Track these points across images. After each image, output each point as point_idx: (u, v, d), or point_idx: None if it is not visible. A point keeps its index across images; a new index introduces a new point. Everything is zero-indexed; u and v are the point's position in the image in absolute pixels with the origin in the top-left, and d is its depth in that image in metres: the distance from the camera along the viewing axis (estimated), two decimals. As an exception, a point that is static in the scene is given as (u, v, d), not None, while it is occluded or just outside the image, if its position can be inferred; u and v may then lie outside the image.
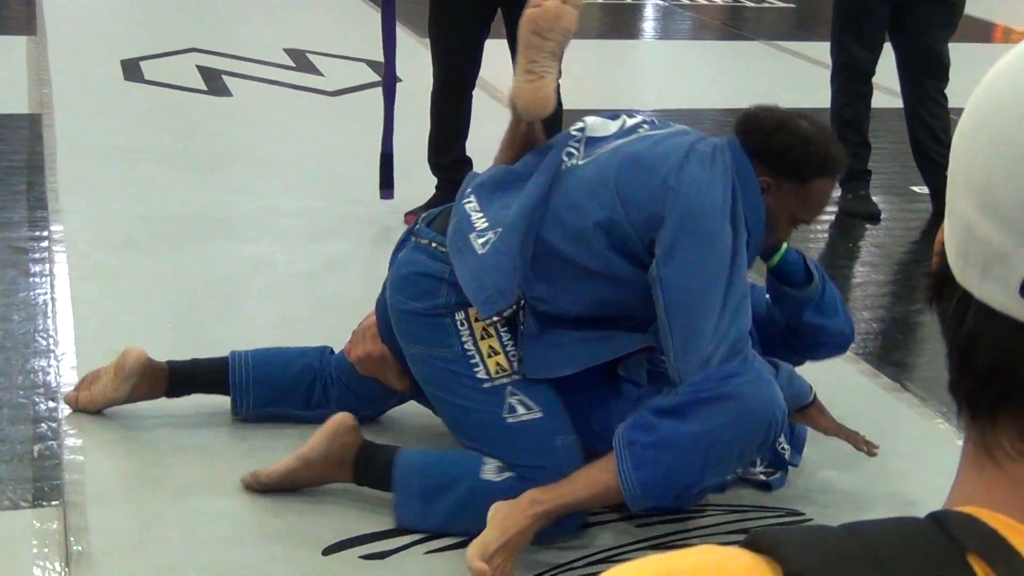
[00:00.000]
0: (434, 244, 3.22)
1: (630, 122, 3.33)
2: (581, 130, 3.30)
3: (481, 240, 3.14)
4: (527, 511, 2.92)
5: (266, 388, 3.55)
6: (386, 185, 5.19)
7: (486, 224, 3.18)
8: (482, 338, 3.14)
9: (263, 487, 3.20)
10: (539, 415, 3.11)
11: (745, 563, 0.72)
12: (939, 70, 5.65)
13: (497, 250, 3.11)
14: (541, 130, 3.42)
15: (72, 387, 3.68)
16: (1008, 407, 0.73)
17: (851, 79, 5.71)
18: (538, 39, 3.34)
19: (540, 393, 3.13)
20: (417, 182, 5.06)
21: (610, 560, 3.05)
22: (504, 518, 2.91)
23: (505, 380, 3.12)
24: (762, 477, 3.38)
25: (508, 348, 3.14)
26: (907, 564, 0.70)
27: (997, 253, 0.71)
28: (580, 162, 3.22)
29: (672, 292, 2.98)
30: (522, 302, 3.11)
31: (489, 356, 3.13)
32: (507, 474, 3.07)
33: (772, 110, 3.28)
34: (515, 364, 3.13)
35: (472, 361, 3.13)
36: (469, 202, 3.26)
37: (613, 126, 3.32)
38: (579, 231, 3.09)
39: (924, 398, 3.93)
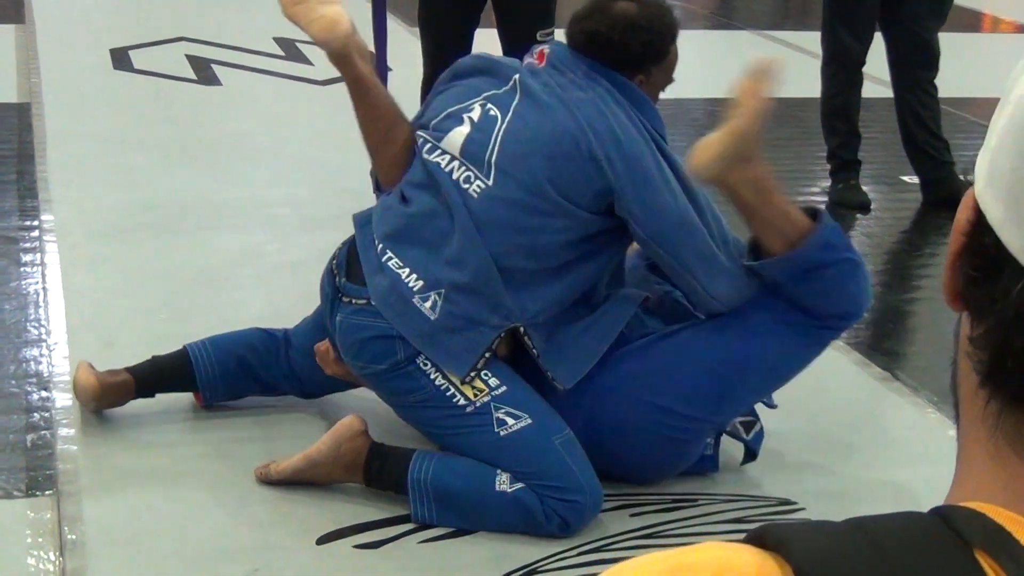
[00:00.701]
0: (372, 303, 3.17)
1: (477, 114, 3.30)
2: (446, 153, 3.27)
3: (427, 304, 3.14)
4: None
5: (231, 380, 3.53)
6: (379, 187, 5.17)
7: (421, 283, 3.17)
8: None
9: (272, 481, 3.20)
10: (528, 421, 3.11)
11: (751, 559, 0.71)
12: (930, 61, 5.66)
13: (450, 313, 3.13)
14: (371, 73, 3.52)
15: (64, 377, 3.68)
16: None
17: (842, 69, 5.71)
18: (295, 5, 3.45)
19: (522, 400, 3.15)
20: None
21: (603, 549, 3.06)
22: None
23: (486, 399, 3.12)
24: (742, 431, 3.37)
25: (481, 370, 3.14)
26: (915, 561, 0.69)
27: None
28: (489, 183, 3.20)
29: (669, 242, 3.13)
30: (522, 328, 3.15)
31: (462, 383, 3.13)
32: (519, 484, 3.07)
33: (596, 12, 3.36)
34: (491, 380, 3.13)
35: (448, 394, 3.13)
36: (390, 259, 3.22)
37: (465, 128, 3.29)
38: (538, 247, 3.16)
39: (915, 387, 3.95)
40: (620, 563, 0.74)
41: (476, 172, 3.24)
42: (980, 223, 0.75)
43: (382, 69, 5.16)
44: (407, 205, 3.29)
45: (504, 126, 3.25)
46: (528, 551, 3.03)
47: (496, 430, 3.10)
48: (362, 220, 3.39)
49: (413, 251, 3.22)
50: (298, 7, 3.41)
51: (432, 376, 3.13)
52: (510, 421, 3.11)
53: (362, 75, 3.43)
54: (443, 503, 3.09)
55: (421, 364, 3.14)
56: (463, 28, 4.96)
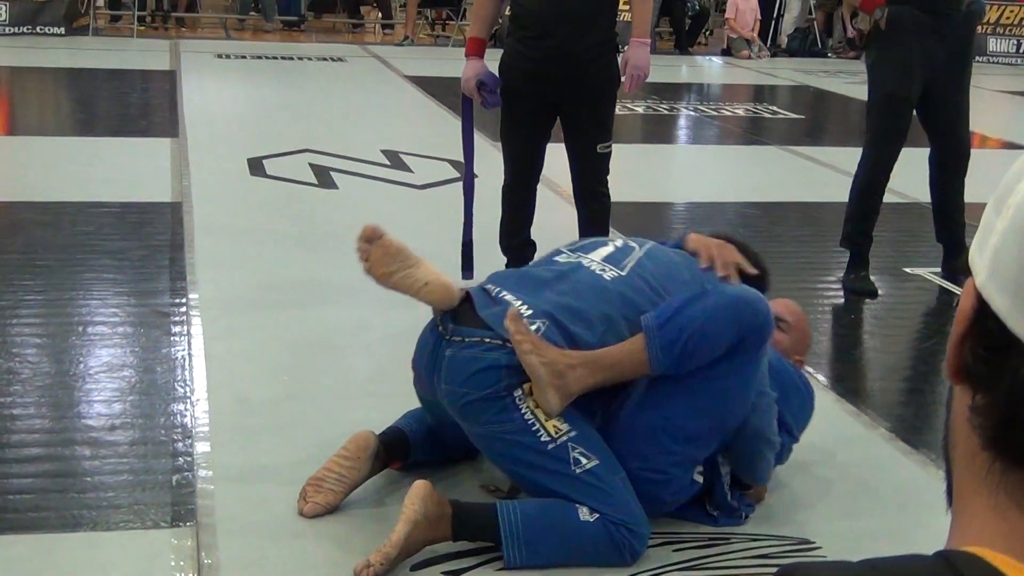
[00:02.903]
0: (486, 340, 3.14)
1: (619, 243, 3.53)
2: (586, 258, 3.42)
3: (532, 327, 3.13)
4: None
5: (431, 443, 3.48)
6: (467, 267, 5.22)
7: (530, 312, 3.18)
8: (537, 406, 3.08)
9: (386, 567, 2.92)
10: (597, 461, 3.07)
11: None
12: (967, 162, 5.58)
13: (548, 338, 3.12)
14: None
15: (203, 428, 3.71)
16: None
17: (882, 172, 5.57)
18: (393, 279, 3.31)
19: (593, 443, 3.09)
20: (491, 261, 5.07)
21: (651, 579, 3.02)
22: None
23: (564, 438, 3.07)
24: (729, 497, 3.31)
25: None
26: None
27: None
28: (622, 274, 3.32)
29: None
30: None
31: (547, 420, 3.07)
32: (596, 515, 3.02)
33: None
34: (563, 426, 3.07)
35: (534, 428, 3.07)
36: (503, 294, 3.26)
37: (609, 248, 3.49)
38: (636, 324, 3.17)
39: (916, 445, 3.88)
40: None
41: (613, 268, 3.34)
42: (984, 310, 0.74)
43: (470, 178, 5.22)
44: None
45: (643, 252, 3.45)
46: (587, 580, 2.99)
47: (572, 468, 3.04)
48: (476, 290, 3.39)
49: (525, 290, 3.28)
50: (394, 279, 3.31)
51: (523, 411, 3.07)
52: (584, 460, 3.05)
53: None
54: (533, 543, 2.99)
55: (517, 398, 3.08)
56: (537, 142, 4.98)
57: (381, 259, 3.29)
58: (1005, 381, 0.72)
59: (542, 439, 3.06)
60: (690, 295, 3.16)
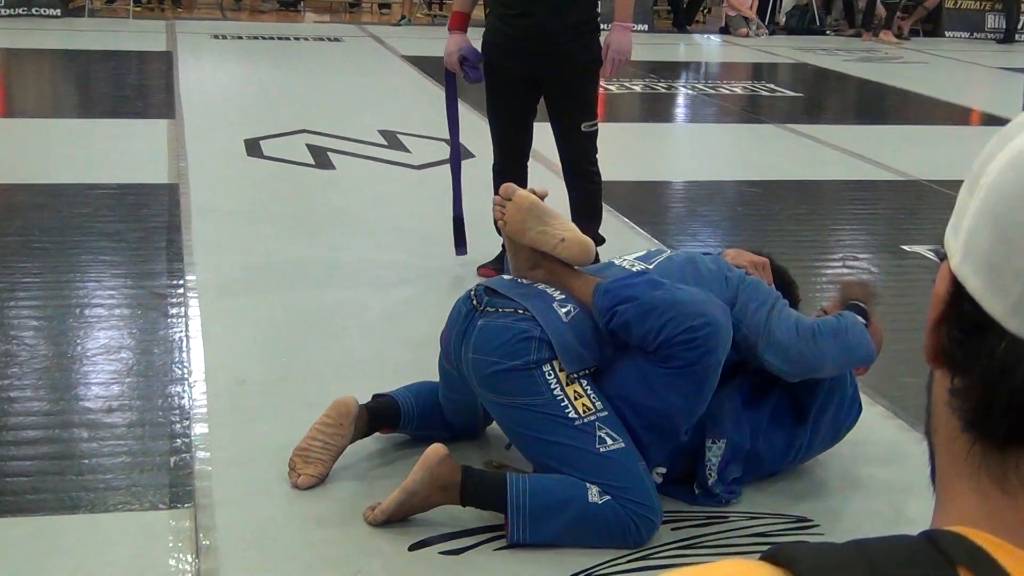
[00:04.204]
0: (519, 311, 3.18)
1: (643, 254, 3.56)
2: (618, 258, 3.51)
3: (563, 310, 3.18)
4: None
5: (423, 418, 3.51)
6: (460, 244, 5.22)
7: (562, 296, 3.23)
8: (568, 383, 3.10)
9: (380, 522, 3.07)
10: (622, 444, 3.07)
11: (766, 574, 0.71)
12: None
13: (580, 326, 3.16)
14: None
15: (202, 409, 3.71)
16: None
17: None
18: (528, 235, 3.30)
19: (618, 427, 3.10)
20: (487, 240, 5.07)
21: (648, 557, 3.02)
22: None
23: (592, 418, 3.08)
24: (715, 479, 3.30)
25: (589, 392, 3.11)
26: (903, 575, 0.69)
27: None
28: (650, 267, 3.35)
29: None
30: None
31: (576, 398, 3.09)
32: (607, 497, 3.02)
33: None
34: (597, 403, 3.10)
35: (563, 404, 3.08)
36: (536, 283, 3.32)
37: (639, 253, 3.55)
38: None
39: (915, 422, 3.88)
40: None
41: (642, 263, 3.39)
42: (959, 293, 0.74)
43: (456, 153, 5.27)
44: None
45: (674, 253, 3.52)
46: (584, 559, 2.99)
47: (597, 447, 3.05)
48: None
49: None
50: (530, 235, 3.30)
51: (552, 386, 3.09)
52: (609, 441, 3.06)
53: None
54: (538, 519, 3.00)
55: (546, 373, 3.10)
56: (521, 120, 4.97)
57: (515, 216, 3.32)
58: (982, 363, 0.72)
59: (570, 415, 3.08)
60: (652, 279, 3.19)
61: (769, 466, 3.40)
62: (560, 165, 5.09)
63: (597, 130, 4.93)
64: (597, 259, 3.46)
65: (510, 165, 4.98)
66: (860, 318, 3.40)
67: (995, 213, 0.72)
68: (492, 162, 5.06)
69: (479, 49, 4.94)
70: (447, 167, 7.09)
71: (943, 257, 0.77)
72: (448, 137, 5.34)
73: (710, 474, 3.28)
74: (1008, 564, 0.69)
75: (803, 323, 3.28)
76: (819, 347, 3.25)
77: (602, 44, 4.86)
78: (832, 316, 3.40)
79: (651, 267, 3.36)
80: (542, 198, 3.36)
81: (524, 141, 5.04)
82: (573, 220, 4.86)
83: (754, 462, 3.36)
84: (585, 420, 3.07)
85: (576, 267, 3.32)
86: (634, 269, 3.35)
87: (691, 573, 0.73)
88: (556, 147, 5.01)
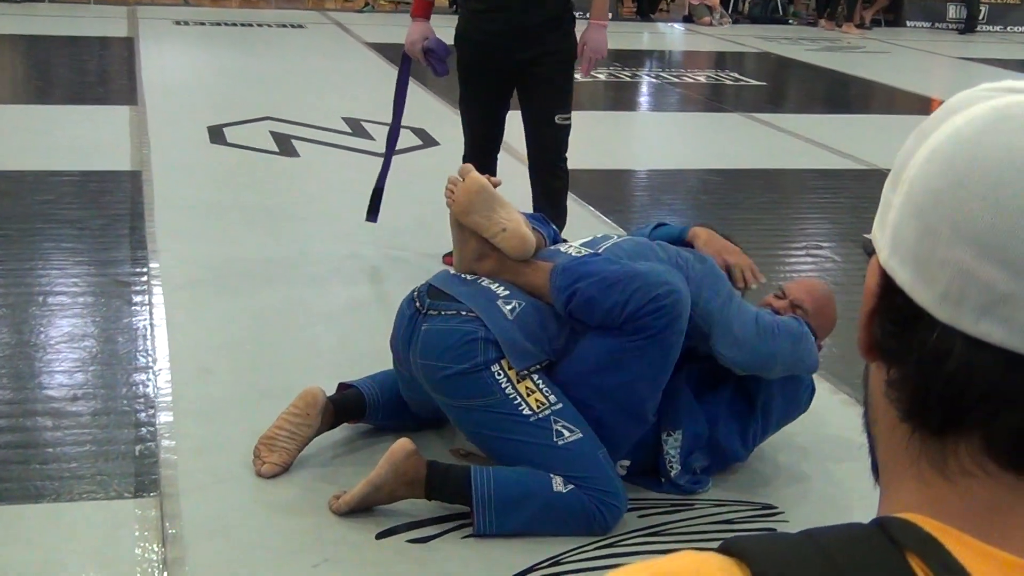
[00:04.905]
0: (462, 312, 3.16)
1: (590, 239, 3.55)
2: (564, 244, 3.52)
3: (508, 307, 3.17)
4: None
5: (388, 409, 3.50)
6: (373, 211, 5.33)
7: (507, 292, 3.22)
8: (519, 380, 3.10)
9: (343, 512, 3.07)
10: (580, 435, 3.08)
11: (719, 565, 0.73)
12: None
13: (525, 322, 3.15)
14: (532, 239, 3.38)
15: (167, 398, 3.69)
16: (964, 427, 0.73)
17: None
18: (471, 218, 3.30)
19: (575, 417, 3.10)
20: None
21: (616, 544, 3.04)
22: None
23: (548, 412, 3.08)
24: (678, 468, 3.32)
25: (542, 386, 3.11)
26: (854, 563, 0.71)
27: (1002, 295, 0.70)
28: (598, 253, 3.32)
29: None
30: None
31: (529, 395, 3.09)
32: (571, 486, 3.04)
33: None
34: (551, 397, 3.10)
35: (516, 402, 3.08)
36: (477, 278, 3.29)
37: (585, 239, 3.53)
38: None
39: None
40: (609, 572, 0.75)
41: (589, 249, 3.37)
42: (889, 286, 0.77)
43: (395, 129, 5.29)
44: None
45: (622, 238, 3.51)
46: (553, 546, 3.00)
47: (555, 440, 3.06)
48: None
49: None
50: (472, 218, 3.31)
51: (504, 386, 3.09)
52: (567, 433, 3.07)
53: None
54: (504, 510, 3.01)
55: (496, 373, 3.09)
56: (495, 112, 4.94)
57: (463, 197, 3.32)
58: (915, 353, 0.74)
59: (524, 412, 3.08)
60: (607, 257, 3.20)
61: (731, 454, 3.41)
62: (528, 155, 5.06)
63: (570, 125, 4.90)
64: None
65: (480, 156, 4.95)
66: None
67: (918, 205, 0.74)
68: (463, 151, 5.02)
69: (447, 41, 4.91)
70: (412, 155, 7.10)
71: (871, 252, 0.79)
72: (391, 116, 5.31)
73: (671, 466, 3.30)
74: (955, 550, 0.71)
75: (763, 321, 3.29)
76: (775, 348, 3.27)
77: (578, 40, 4.85)
78: (791, 318, 3.41)
79: (599, 252, 3.34)
80: (495, 186, 3.36)
81: (496, 132, 5.02)
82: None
83: (717, 451, 3.37)
84: (540, 415, 3.07)
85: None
86: (582, 254, 3.33)
87: (647, 567, 0.74)
88: (525, 141, 4.98)
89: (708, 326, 3.23)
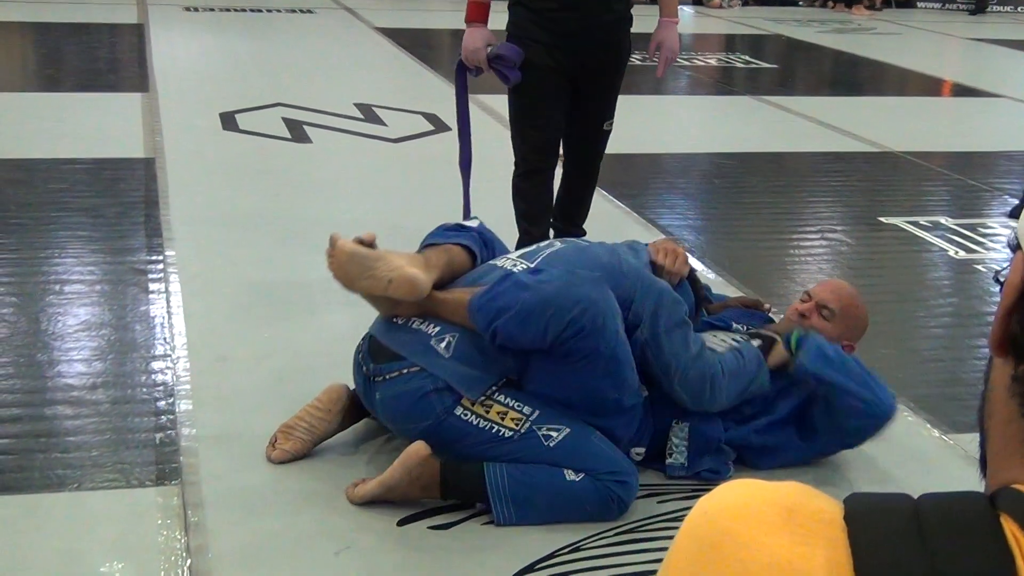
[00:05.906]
0: (404, 371, 3.14)
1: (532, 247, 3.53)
2: (501, 257, 3.44)
3: (442, 345, 3.13)
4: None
5: None
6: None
7: (437, 329, 3.18)
8: (487, 410, 3.08)
9: (358, 504, 3.07)
10: (568, 430, 3.07)
11: (823, 506, 0.76)
12: None
13: (463, 353, 3.11)
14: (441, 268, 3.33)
15: (185, 386, 3.70)
16: None
17: None
18: (358, 284, 3.23)
19: (556, 416, 3.08)
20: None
21: (636, 530, 3.04)
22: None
23: (528, 425, 3.06)
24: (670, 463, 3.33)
25: (511, 404, 3.08)
26: (946, 521, 0.72)
27: None
28: (532, 266, 3.27)
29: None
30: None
31: (502, 418, 3.07)
32: (581, 474, 3.04)
33: None
34: (525, 409, 3.07)
35: (494, 431, 3.06)
36: (410, 321, 3.23)
37: (521, 250, 3.51)
38: None
39: (913, 409, 3.89)
40: (721, 498, 0.79)
41: (524, 262, 3.31)
42: None
43: (466, 156, 4.68)
44: None
45: (564, 244, 3.48)
46: (574, 533, 3.01)
47: (546, 444, 3.05)
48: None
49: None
50: (359, 284, 3.23)
51: (474, 422, 3.07)
52: (554, 434, 3.06)
53: (437, 292, 3.27)
54: (521, 503, 3.01)
55: (461, 415, 3.07)
56: (561, 120, 4.57)
57: (340, 269, 3.25)
58: None
59: (506, 436, 3.06)
60: (518, 280, 3.07)
61: (768, 458, 3.39)
62: (565, 159, 4.78)
63: (611, 131, 4.72)
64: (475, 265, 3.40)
65: (541, 172, 4.60)
66: (761, 348, 3.39)
67: None
68: (514, 171, 4.64)
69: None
70: (424, 140, 7.09)
71: (1016, 247, 0.78)
72: (458, 140, 4.71)
73: (670, 452, 3.29)
74: None
75: (711, 370, 3.25)
76: (720, 393, 3.27)
77: (652, 41, 4.63)
78: (731, 354, 3.34)
79: (534, 264, 3.28)
80: (370, 244, 3.25)
81: (558, 147, 4.67)
82: (557, 218, 4.79)
83: (759, 452, 3.38)
84: (522, 431, 3.06)
85: (435, 291, 3.23)
86: (516, 269, 3.25)
87: (751, 484, 0.78)
88: (565, 143, 4.68)
89: (665, 366, 3.20)
